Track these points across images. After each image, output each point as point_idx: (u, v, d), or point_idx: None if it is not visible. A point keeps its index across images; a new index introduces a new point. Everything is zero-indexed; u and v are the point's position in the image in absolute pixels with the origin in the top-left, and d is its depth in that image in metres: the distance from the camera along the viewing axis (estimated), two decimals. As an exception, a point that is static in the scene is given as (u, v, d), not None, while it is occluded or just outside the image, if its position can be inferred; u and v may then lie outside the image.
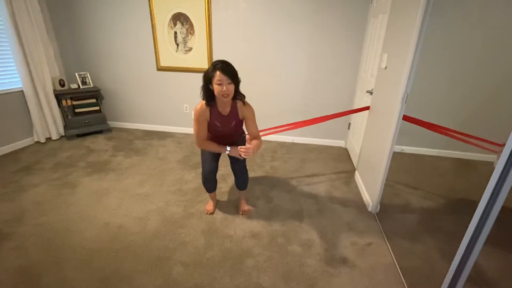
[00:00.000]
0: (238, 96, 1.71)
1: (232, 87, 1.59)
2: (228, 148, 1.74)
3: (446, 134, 1.85)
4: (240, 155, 1.68)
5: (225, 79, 1.54)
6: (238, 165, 1.91)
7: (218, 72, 1.54)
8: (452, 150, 3.10)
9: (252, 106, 1.79)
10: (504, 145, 0.84)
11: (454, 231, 1.89)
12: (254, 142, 1.74)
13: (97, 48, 3.60)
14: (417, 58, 1.60)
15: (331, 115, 2.46)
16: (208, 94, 1.66)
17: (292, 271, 1.57)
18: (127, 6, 3.29)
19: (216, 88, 1.57)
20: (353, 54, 3.03)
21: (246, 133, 1.92)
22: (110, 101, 3.90)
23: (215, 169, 1.90)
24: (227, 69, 1.55)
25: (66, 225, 1.91)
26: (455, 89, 2.83)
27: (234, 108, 1.75)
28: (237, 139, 1.90)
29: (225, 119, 1.76)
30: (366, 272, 1.58)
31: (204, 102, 1.70)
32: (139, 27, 3.37)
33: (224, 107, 1.73)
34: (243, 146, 1.63)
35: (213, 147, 1.78)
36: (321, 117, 2.52)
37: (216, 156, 1.90)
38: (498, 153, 0.86)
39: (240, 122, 1.83)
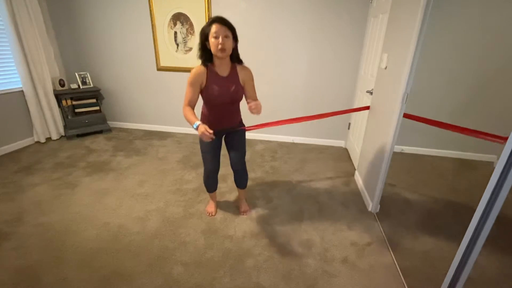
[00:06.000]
0: (236, 57, 1.64)
1: (229, 42, 1.49)
2: (195, 125, 1.48)
3: (447, 128, 1.85)
4: (205, 135, 1.44)
5: (222, 32, 1.45)
6: (239, 162, 1.89)
7: (214, 25, 1.45)
8: (452, 150, 3.10)
9: None
10: (505, 138, 0.83)
11: (454, 231, 1.89)
12: (258, 101, 1.59)
13: (97, 48, 3.60)
14: (417, 58, 1.60)
15: (331, 112, 2.46)
16: (205, 53, 1.56)
17: (292, 271, 1.57)
18: (127, 6, 3.29)
19: (212, 43, 1.47)
20: (353, 54, 3.03)
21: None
22: (110, 101, 3.90)
23: (217, 168, 1.89)
24: (224, 21, 1.47)
25: (66, 225, 1.91)
26: (455, 89, 2.83)
27: (233, 70, 1.65)
28: (237, 125, 1.82)
29: (223, 82, 1.61)
30: (366, 272, 1.58)
31: (201, 64, 1.60)
32: (139, 27, 3.37)
33: (223, 68, 1.61)
34: (252, 102, 1.53)
35: (189, 117, 1.57)
36: (320, 114, 2.51)
37: (217, 155, 1.87)
38: (502, 142, 0.86)
39: (240, 88, 1.67)
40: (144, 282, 1.48)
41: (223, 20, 1.48)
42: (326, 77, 3.19)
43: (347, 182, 2.58)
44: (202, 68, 1.59)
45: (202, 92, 1.64)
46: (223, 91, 1.62)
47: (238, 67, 1.66)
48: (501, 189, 0.87)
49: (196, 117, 1.56)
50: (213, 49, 1.50)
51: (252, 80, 1.71)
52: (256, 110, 1.52)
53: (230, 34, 1.50)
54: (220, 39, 1.46)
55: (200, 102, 1.69)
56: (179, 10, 3.19)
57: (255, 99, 1.73)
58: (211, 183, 1.95)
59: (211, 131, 1.45)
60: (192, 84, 1.59)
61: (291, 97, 3.37)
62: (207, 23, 1.50)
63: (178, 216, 2.03)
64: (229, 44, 1.51)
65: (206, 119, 1.77)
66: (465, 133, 1.74)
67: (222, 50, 1.48)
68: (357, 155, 2.76)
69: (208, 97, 1.64)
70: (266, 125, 2.35)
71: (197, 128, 1.47)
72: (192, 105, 1.63)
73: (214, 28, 1.46)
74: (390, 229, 1.92)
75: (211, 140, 1.48)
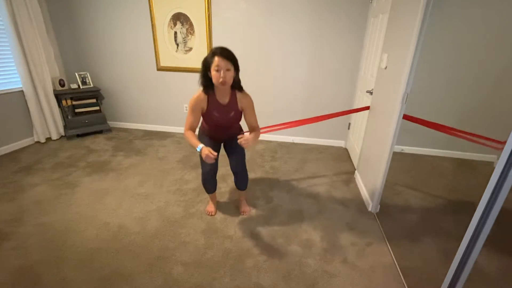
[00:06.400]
0: (237, 85, 1.67)
1: (230, 74, 1.55)
2: (199, 148, 1.59)
3: (447, 132, 1.85)
4: (209, 157, 1.55)
5: (223, 66, 1.50)
6: (238, 165, 1.89)
7: (216, 58, 1.49)
8: (452, 150, 3.10)
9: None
10: (505, 142, 0.84)
11: (454, 231, 1.89)
12: (252, 134, 1.67)
13: (97, 48, 3.60)
14: (417, 58, 1.60)
15: (331, 114, 2.46)
16: (207, 81, 1.61)
17: (292, 271, 1.57)
18: (127, 6, 3.29)
19: (214, 75, 1.53)
20: (353, 54, 3.03)
21: (245, 131, 1.90)
22: (110, 101, 3.90)
23: (215, 169, 1.88)
24: (226, 55, 1.51)
25: (66, 225, 1.91)
26: (455, 89, 2.83)
27: (233, 98, 1.70)
28: (235, 134, 1.89)
29: (223, 109, 1.71)
30: (366, 272, 1.58)
31: (202, 90, 1.66)
32: (139, 27, 3.37)
33: (223, 96, 1.68)
34: (242, 137, 1.58)
35: (191, 141, 1.65)
36: (321, 116, 2.52)
37: (216, 158, 1.88)
38: (500, 149, 0.86)
39: (239, 113, 1.77)
40: (144, 282, 1.48)
41: (225, 53, 1.51)
42: (326, 77, 3.19)
43: (347, 182, 2.58)
44: (203, 95, 1.66)
45: (203, 115, 1.73)
46: (222, 117, 1.72)
47: (238, 95, 1.72)
48: (501, 189, 0.87)
49: (198, 141, 1.64)
50: (214, 81, 1.56)
51: (252, 107, 1.77)
52: (245, 145, 1.60)
53: (231, 67, 1.54)
54: (222, 73, 1.51)
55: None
56: (179, 10, 3.19)
57: (254, 124, 1.80)
58: (209, 184, 1.95)
59: (215, 153, 1.57)
60: (193, 110, 1.67)
61: (291, 97, 3.37)
62: (209, 54, 1.54)
63: (178, 216, 2.03)
64: (230, 76, 1.56)
65: (206, 130, 1.86)
66: (463, 137, 1.73)
67: (223, 83, 1.54)
68: (357, 155, 2.76)
69: (209, 120, 1.75)
70: (269, 130, 2.36)
71: (200, 151, 1.59)
72: (193, 129, 1.72)
73: (216, 61, 1.50)
74: (390, 229, 1.92)
75: (214, 161, 1.59)
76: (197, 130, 1.85)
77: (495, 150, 2.99)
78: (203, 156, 1.56)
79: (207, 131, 1.86)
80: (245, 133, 1.74)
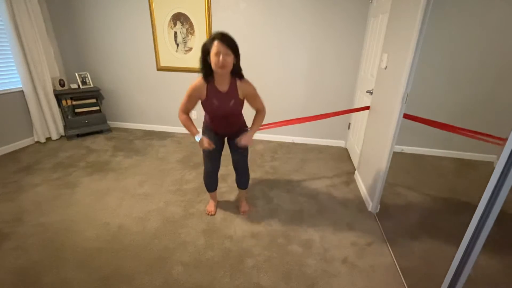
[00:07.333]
0: (237, 72, 1.63)
1: (230, 59, 1.50)
2: (197, 138, 1.65)
3: (448, 130, 1.86)
4: (207, 147, 1.68)
5: (223, 50, 1.46)
6: (240, 161, 1.90)
7: (215, 42, 1.46)
8: (452, 150, 3.10)
9: None
10: (506, 139, 0.83)
11: (454, 231, 1.89)
12: (250, 131, 1.73)
13: (97, 48, 3.60)
14: (417, 58, 1.60)
15: (331, 113, 2.46)
16: (206, 68, 1.57)
17: (292, 271, 1.57)
18: (127, 6, 3.29)
19: (213, 59, 1.48)
20: (353, 54, 3.02)
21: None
22: (110, 101, 3.90)
23: (217, 168, 1.90)
24: (225, 39, 1.47)
25: (66, 225, 1.91)
26: (455, 88, 2.83)
27: (233, 85, 1.65)
28: (239, 129, 1.85)
29: (223, 97, 1.64)
30: (366, 272, 1.58)
31: (201, 77, 1.62)
32: (139, 27, 3.37)
33: (222, 83, 1.63)
34: (242, 138, 1.65)
35: (189, 127, 1.69)
36: (320, 114, 2.51)
37: (218, 155, 1.88)
38: (502, 145, 0.86)
39: (239, 102, 1.70)
40: (144, 282, 1.48)
41: (224, 37, 1.48)
42: (326, 77, 3.19)
43: (347, 182, 2.58)
44: (202, 82, 1.62)
45: (202, 103, 1.70)
46: (222, 105, 1.67)
47: (238, 82, 1.66)
48: (501, 189, 0.87)
49: (196, 129, 1.68)
50: (213, 66, 1.52)
51: (254, 94, 1.70)
52: (245, 145, 1.68)
53: (231, 52, 1.50)
54: (221, 57, 1.47)
55: (200, 108, 1.73)
56: (179, 10, 3.19)
57: (260, 107, 1.78)
58: (210, 182, 1.96)
59: (213, 146, 1.67)
60: (189, 95, 1.66)
61: (292, 97, 3.36)
62: (209, 38, 1.51)
63: (178, 216, 2.03)
64: (230, 61, 1.52)
65: (208, 126, 1.83)
66: (464, 134, 1.74)
67: (222, 67, 1.50)
68: (357, 155, 2.76)
69: (208, 109, 1.71)
70: (268, 127, 2.35)
71: (199, 141, 1.65)
72: (187, 112, 1.72)
73: (215, 46, 1.47)
74: (390, 229, 1.92)
75: (212, 149, 1.67)
76: (200, 128, 1.86)
77: (495, 150, 3.00)
78: (202, 147, 1.66)
79: (210, 124, 1.81)
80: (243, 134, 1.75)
